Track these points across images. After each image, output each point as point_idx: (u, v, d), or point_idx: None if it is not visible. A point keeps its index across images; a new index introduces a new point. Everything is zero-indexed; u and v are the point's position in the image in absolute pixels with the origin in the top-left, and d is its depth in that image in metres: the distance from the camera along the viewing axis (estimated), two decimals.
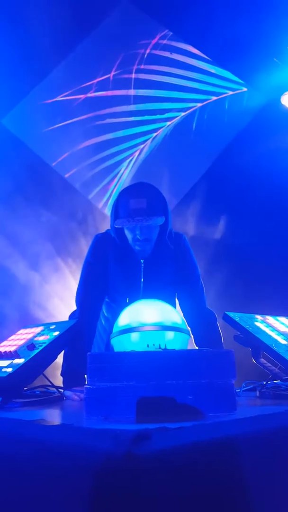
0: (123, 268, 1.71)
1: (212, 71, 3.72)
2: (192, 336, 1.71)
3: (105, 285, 1.74)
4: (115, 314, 1.40)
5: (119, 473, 0.65)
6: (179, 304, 1.79)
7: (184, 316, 1.75)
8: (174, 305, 1.76)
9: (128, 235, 1.67)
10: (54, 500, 0.68)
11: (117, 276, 1.72)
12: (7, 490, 0.72)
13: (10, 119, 3.58)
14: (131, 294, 1.63)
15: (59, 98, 3.63)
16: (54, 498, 0.68)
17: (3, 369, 1.28)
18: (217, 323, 1.73)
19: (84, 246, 3.10)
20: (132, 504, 0.63)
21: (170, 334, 1.23)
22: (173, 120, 3.72)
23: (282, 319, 1.63)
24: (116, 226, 1.66)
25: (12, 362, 1.32)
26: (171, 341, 1.23)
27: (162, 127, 3.72)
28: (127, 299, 1.55)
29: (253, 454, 0.74)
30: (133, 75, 3.68)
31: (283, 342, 1.43)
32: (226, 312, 1.54)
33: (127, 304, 1.42)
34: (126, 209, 1.61)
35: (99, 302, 1.76)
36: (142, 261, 1.71)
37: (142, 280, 1.70)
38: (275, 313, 1.67)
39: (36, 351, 1.34)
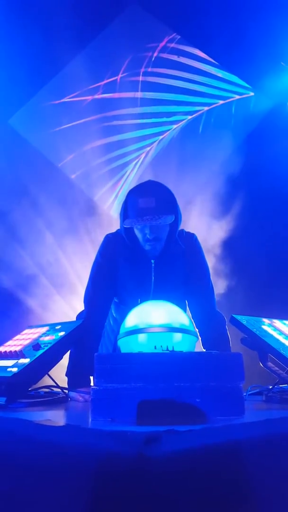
0: (133, 268, 1.69)
1: (219, 75, 3.72)
2: (200, 338, 1.69)
3: (114, 285, 1.73)
4: (124, 315, 1.38)
5: (127, 475, 0.64)
6: (188, 305, 1.77)
7: (193, 318, 1.73)
8: (184, 306, 1.74)
9: (138, 234, 1.66)
10: (61, 501, 0.67)
11: (127, 276, 1.70)
12: (13, 491, 0.71)
13: (16, 120, 3.59)
14: (141, 294, 1.62)
15: (66, 99, 3.64)
16: (61, 499, 0.67)
17: (8, 369, 1.27)
18: (226, 326, 1.71)
19: (90, 247, 3.10)
20: (142, 506, 0.62)
21: (177, 336, 1.22)
22: (179, 123, 3.73)
23: None
24: (125, 226, 1.65)
25: (17, 362, 1.31)
26: (179, 343, 1.21)
27: (168, 130, 3.72)
28: (139, 299, 1.53)
29: (262, 458, 0.74)
30: (140, 78, 3.69)
31: None
32: (233, 315, 1.53)
33: (137, 305, 1.40)
34: (135, 209, 1.60)
35: (107, 302, 1.75)
36: (152, 261, 1.70)
37: (152, 280, 1.68)
38: (283, 316, 1.65)
39: (41, 351, 1.33)
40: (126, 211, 1.65)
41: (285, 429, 0.83)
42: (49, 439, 0.76)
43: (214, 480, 0.67)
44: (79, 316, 1.73)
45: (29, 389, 1.37)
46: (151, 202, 1.57)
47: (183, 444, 0.71)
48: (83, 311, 1.72)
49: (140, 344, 1.22)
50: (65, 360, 1.52)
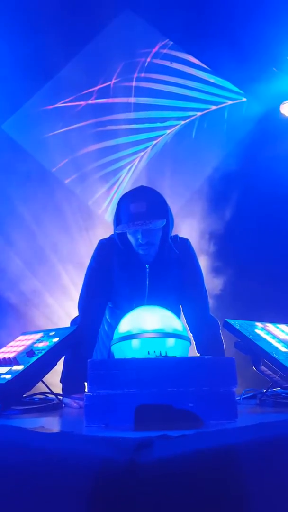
0: (127, 273, 1.70)
1: (212, 80, 3.75)
2: (194, 342, 1.70)
3: (108, 291, 1.73)
4: (119, 320, 1.39)
5: (121, 481, 0.64)
6: (183, 310, 1.78)
7: (187, 322, 1.74)
8: (178, 311, 1.75)
9: (131, 239, 1.67)
10: (55, 508, 0.67)
11: (121, 281, 1.71)
12: (7, 498, 0.71)
13: (10, 125, 3.59)
14: (136, 299, 1.62)
15: (60, 104, 3.65)
16: (54, 506, 0.67)
17: (2, 376, 1.27)
18: (220, 330, 1.72)
19: (84, 252, 3.10)
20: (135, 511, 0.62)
21: (170, 341, 1.23)
22: (173, 129, 3.75)
23: (282, 326, 1.63)
24: (117, 232, 1.66)
25: (11, 368, 1.31)
26: (172, 348, 1.22)
27: (162, 135, 3.74)
28: (134, 304, 1.54)
29: (255, 462, 0.74)
30: (134, 83, 3.71)
31: (283, 349, 1.43)
32: (226, 319, 1.54)
33: (132, 309, 1.41)
34: (127, 214, 1.62)
35: (101, 308, 1.75)
36: (147, 266, 1.71)
37: (147, 284, 1.69)
38: (275, 320, 1.66)
39: (35, 358, 1.33)
40: (118, 217, 1.66)
41: (278, 432, 0.84)
42: (43, 446, 0.76)
43: (207, 485, 0.68)
44: (73, 322, 1.73)
45: (23, 395, 1.36)
46: (142, 207, 1.59)
47: (175, 449, 0.71)
48: (77, 317, 1.72)
49: (133, 349, 1.22)
50: (59, 366, 1.52)
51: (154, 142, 3.74)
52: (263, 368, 1.47)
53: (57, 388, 1.54)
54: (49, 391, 1.45)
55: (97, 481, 0.64)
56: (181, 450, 0.71)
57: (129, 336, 1.24)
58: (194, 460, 0.69)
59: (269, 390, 1.46)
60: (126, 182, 3.68)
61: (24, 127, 3.61)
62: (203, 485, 0.67)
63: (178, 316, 1.69)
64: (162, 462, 0.67)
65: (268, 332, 1.53)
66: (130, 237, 1.67)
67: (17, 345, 1.51)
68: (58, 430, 1.03)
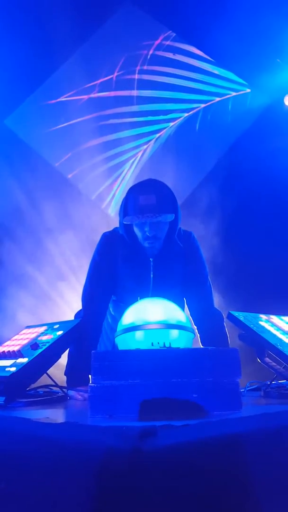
0: (132, 266, 1.69)
1: (215, 72, 3.72)
2: (198, 335, 1.70)
3: (112, 284, 1.73)
4: (122, 313, 1.39)
5: (125, 469, 0.64)
6: (187, 303, 1.78)
7: (191, 315, 1.73)
8: (183, 304, 1.75)
9: (137, 232, 1.65)
10: (60, 497, 0.67)
11: (125, 274, 1.70)
12: (13, 488, 0.71)
13: (13, 120, 3.59)
14: (140, 293, 1.62)
15: (62, 99, 3.64)
16: (60, 495, 0.67)
17: (7, 369, 1.28)
18: (224, 323, 1.72)
19: (87, 245, 3.10)
20: (138, 500, 0.62)
21: (174, 333, 1.23)
22: (176, 121, 3.73)
23: (287, 318, 1.62)
24: (125, 223, 1.65)
25: (15, 361, 1.31)
26: (176, 339, 1.22)
27: (165, 127, 3.72)
28: (138, 297, 1.53)
29: (258, 452, 0.74)
30: (136, 76, 3.69)
31: None
32: (230, 312, 1.54)
33: (135, 302, 1.41)
34: (135, 206, 1.60)
35: (105, 301, 1.75)
36: (151, 259, 1.70)
37: (151, 278, 1.68)
38: (280, 312, 1.66)
39: (39, 351, 1.34)
40: (126, 208, 1.64)
41: (282, 422, 0.84)
42: (48, 436, 0.76)
43: (210, 473, 0.68)
44: (77, 315, 1.73)
45: (28, 388, 1.37)
46: (151, 199, 1.57)
47: (179, 438, 0.72)
48: (81, 310, 1.73)
49: (137, 341, 1.22)
50: (63, 359, 1.53)
51: (158, 135, 3.72)
52: (267, 359, 1.46)
53: (62, 381, 1.54)
54: (53, 383, 1.45)
55: (102, 470, 0.65)
56: (184, 439, 0.71)
57: (132, 328, 1.24)
58: (197, 448, 0.69)
59: (273, 381, 1.46)
60: (129, 176, 3.67)
61: (27, 122, 3.61)
62: (206, 474, 0.67)
63: (182, 309, 1.68)
64: (166, 450, 0.67)
65: (273, 324, 1.53)
66: (136, 230, 1.66)
67: (21, 338, 1.52)
68: (62, 421, 1.04)
